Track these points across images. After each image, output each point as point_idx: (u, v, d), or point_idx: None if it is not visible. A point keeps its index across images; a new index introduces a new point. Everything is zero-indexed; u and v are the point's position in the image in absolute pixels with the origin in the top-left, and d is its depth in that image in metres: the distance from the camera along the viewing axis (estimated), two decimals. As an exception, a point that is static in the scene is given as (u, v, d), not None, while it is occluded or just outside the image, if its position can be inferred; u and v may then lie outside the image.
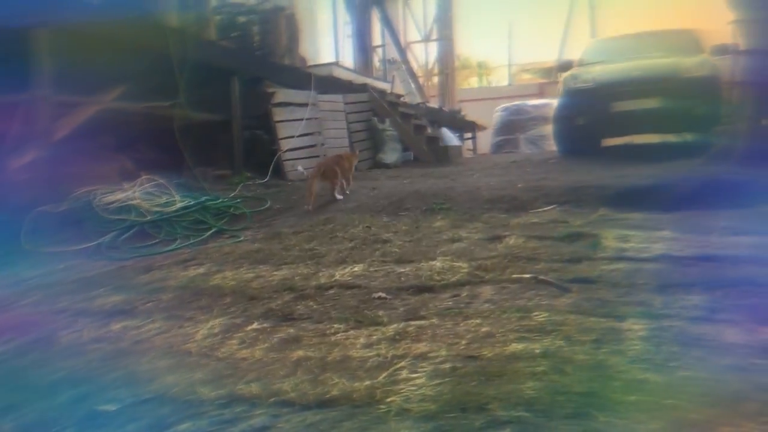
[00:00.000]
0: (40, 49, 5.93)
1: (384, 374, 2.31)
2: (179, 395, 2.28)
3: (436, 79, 24.51)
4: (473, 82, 42.43)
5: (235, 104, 8.93)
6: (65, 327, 3.20)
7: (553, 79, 11.99)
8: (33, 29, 5.91)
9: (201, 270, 4.31)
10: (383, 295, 3.35)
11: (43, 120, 6.01)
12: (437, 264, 3.88)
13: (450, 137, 15.75)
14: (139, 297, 3.71)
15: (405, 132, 12.70)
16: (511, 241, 4.40)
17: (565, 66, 12.09)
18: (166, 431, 2.05)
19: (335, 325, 2.92)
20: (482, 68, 43.64)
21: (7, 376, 2.64)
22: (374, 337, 2.72)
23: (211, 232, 5.72)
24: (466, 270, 3.71)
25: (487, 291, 3.30)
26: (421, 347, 2.54)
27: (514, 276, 3.52)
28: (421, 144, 12.97)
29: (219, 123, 8.92)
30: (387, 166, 11.44)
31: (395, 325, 2.84)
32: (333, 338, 2.76)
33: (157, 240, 5.51)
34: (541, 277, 3.44)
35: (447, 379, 2.24)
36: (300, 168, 8.69)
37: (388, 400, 2.11)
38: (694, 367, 2.24)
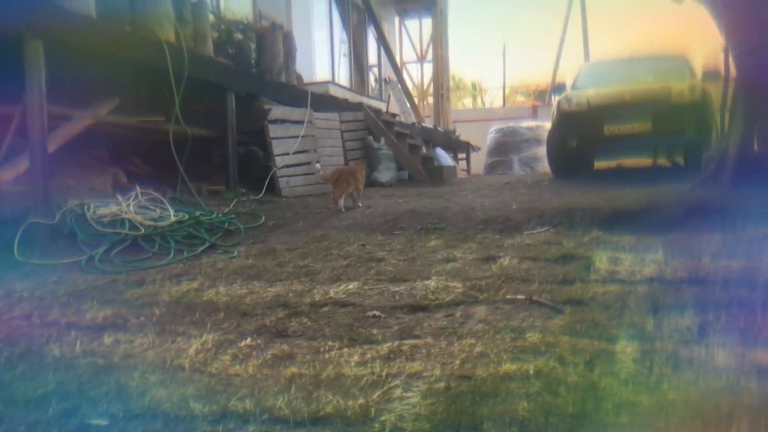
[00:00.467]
0: (36, 60, 5.92)
1: (378, 392, 2.30)
2: (171, 410, 2.27)
3: (430, 99, 24.57)
4: (467, 102, 42.63)
5: (230, 120, 8.94)
6: (56, 339, 3.17)
7: (547, 102, 12.10)
8: (29, 40, 5.90)
9: (194, 285, 4.29)
10: (377, 313, 3.35)
11: (38, 131, 5.99)
12: (431, 283, 3.88)
13: (444, 157, 15.80)
14: (131, 311, 3.68)
15: (400, 151, 12.72)
16: (505, 261, 4.41)
17: (559, 89, 12.17)
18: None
19: (329, 343, 2.92)
20: (476, 89, 43.86)
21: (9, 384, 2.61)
22: (368, 355, 2.72)
23: (204, 247, 5.70)
24: (460, 290, 3.71)
25: (481, 311, 3.31)
26: (415, 366, 2.54)
27: (508, 296, 3.53)
28: (415, 163, 12.99)
29: (214, 138, 8.93)
30: (381, 185, 11.45)
31: (389, 344, 2.84)
32: (327, 356, 2.76)
33: (150, 254, 5.48)
34: (535, 297, 3.44)
35: (441, 398, 2.23)
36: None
37: (382, 418, 2.11)
38: (685, 388, 2.25)
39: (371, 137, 12.37)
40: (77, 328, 3.36)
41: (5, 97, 5.95)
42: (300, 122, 10.10)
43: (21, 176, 6.05)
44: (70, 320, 3.54)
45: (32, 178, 5.94)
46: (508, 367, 2.48)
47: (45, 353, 2.98)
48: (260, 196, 8.72)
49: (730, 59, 7.80)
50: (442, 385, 2.35)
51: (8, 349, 3.02)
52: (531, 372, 2.42)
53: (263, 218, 7.04)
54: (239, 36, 10.33)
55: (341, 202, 7.58)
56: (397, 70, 21.14)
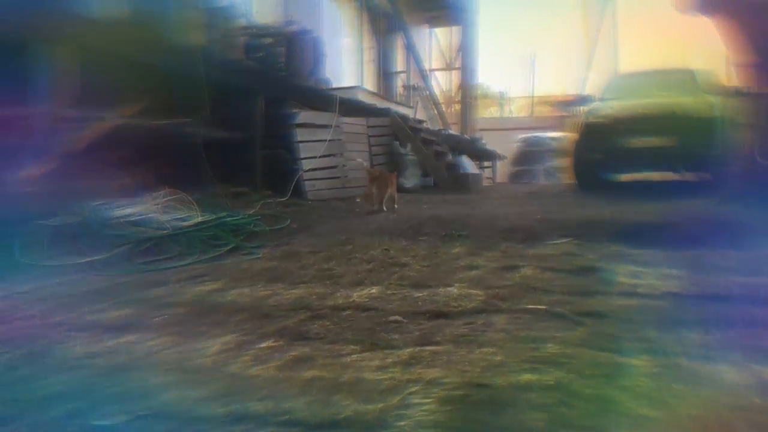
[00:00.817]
0: (64, 62, 6.01)
1: (397, 398, 2.31)
2: (189, 410, 2.29)
3: (457, 107, 24.60)
4: (493, 111, 42.65)
5: (257, 123, 9.01)
6: (76, 338, 3.19)
7: (572, 113, 12.11)
8: (57, 43, 5.99)
9: (217, 285, 4.32)
10: (399, 318, 3.35)
11: (63, 131, 6.07)
12: (454, 290, 3.88)
13: (470, 165, 15.80)
14: (153, 310, 3.70)
15: (426, 157, 12.74)
16: (527, 271, 4.41)
17: (584, 100, 12.19)
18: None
19: (350, 347, 2.92)
20: (503, 98, 43.88)
21: (11, 385, 2.62)
22: (389, 360, 2.72)
23: (228, 247, 5.73)
24: (481, 298, 3.71)
25: (501, 320, 3.30)
26: (435, 373, 2.54)
27: (529, 306, 3.52)
28: (441, 170, 13.00)
29: (241, 141, 9.00)
30: (407, 191, 11.48)
31: (410, 350, 2.84)
32: (347, 359, 2.76)
33: (174, 254, 5.52)
34: (556, 309, 3.43)
35: (459, 406, 2.24)
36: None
37: (401, 423, 2.11)
38: (699, 405, 2.24)
39: (397, 143, 12.40)
40: (98, 327, 3.37)
41: (33, 97, 6.03)
42: (327, 126, 10.15)
43: (46, 175, 6.12)
44: (90, 318, 3.55)
45: (58, 177, 6.01)
46: (527, 377, 2.48)
47: (65, 351, 3.00)
48: (285, 198, 8.76)
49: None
50: (461, 392, 2.35)
51: (27, 347, 3.04)
52: (550, 383, 2.41)
53: (288, 221, 7.08)
54: (268, 40, 10.40)
55: (380, 206, 7.81)
56: (425, 77, 21.16)
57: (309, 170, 9.53)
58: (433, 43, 25.85)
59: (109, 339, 3.14)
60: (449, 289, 3.94)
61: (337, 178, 10.12)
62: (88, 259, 5.22)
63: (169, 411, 2.28)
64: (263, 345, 3.00)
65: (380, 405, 2.25)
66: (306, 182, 9.42)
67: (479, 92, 29.73)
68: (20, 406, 2.37)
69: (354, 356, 2.80)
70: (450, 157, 14.31)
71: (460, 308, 3.53)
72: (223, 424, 2.17)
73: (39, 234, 5.51)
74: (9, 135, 5.92)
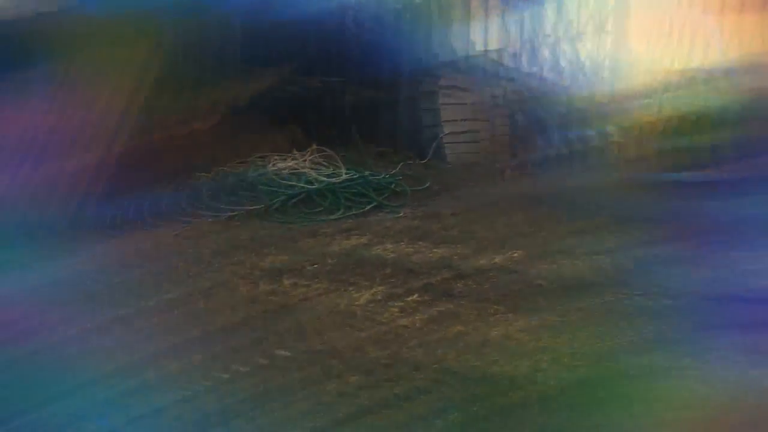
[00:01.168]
0: (223, 28, 6.36)
1: (544, 359, 2.38)
2: (346, 350, 2.45)
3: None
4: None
5: (402, 84, 9.10)
6: (242, 277, 3.42)
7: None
8: (215, 10, 6.32)
9: (363, 240, 4.44)
10: (543, 283, 3.39)
11: (224, 92, 6.39)
12: (603, 259, 3.81)
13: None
14: (306, 259, 3.88)
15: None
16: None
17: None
18: (335, 380, 2.21)
19: (494, 307, 2.98)
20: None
21: (190, 317, 2.87)
22: (533, 322, 2.77)
23: (371, 205, 5.86)
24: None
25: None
26: (582, 338, 2.58)
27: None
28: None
29: (385, 102, 9.11)
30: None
31: (555, 315, 2.87)
32: (491, 319, 2.84)
33: (321, 208, 5.71)
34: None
35: (603, 374, 2.29)
36: None
37: (549, 383, 2.19)
38: (743, 410, 2.20)
39: (539, 110, 12.24)
40: (260, 270, 3.60)
41: (196, 63, 6.41)
42: (470, 90, 10.12)
43: (208, 132, 6.46)
44: (253, 262, 3.78)
45: (221, 132, 6.36)
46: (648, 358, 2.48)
47: (233, 289, 3.23)
48: (426, 161, 8.82)
49: None
50: (597, 363, 2.39)
51: (203, 283, 3.30)
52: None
53: (428, 182, 7.15)
54: (418, 2, 10.43)
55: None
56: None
57: (450, 133, 9.56)
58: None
59: (268, 283, 3.35)
60: (595, 257, 3.87)
61: (478, 142, 10.09)
62: (246, 209, 5.49)
63: (328, 351, 2.45)
64: (409, 299, 3.12)
65: (527, 363, 2.33)
66: (447, 145, 9.44)
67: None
68: (197, 336, 2.64)
69: (498, 316, 2.88)
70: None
71: (601, 280, 3.48)
72: (379, 366, 2.31)
73: (201, 186, 5.83)
74: (177, 93, 6.29)
